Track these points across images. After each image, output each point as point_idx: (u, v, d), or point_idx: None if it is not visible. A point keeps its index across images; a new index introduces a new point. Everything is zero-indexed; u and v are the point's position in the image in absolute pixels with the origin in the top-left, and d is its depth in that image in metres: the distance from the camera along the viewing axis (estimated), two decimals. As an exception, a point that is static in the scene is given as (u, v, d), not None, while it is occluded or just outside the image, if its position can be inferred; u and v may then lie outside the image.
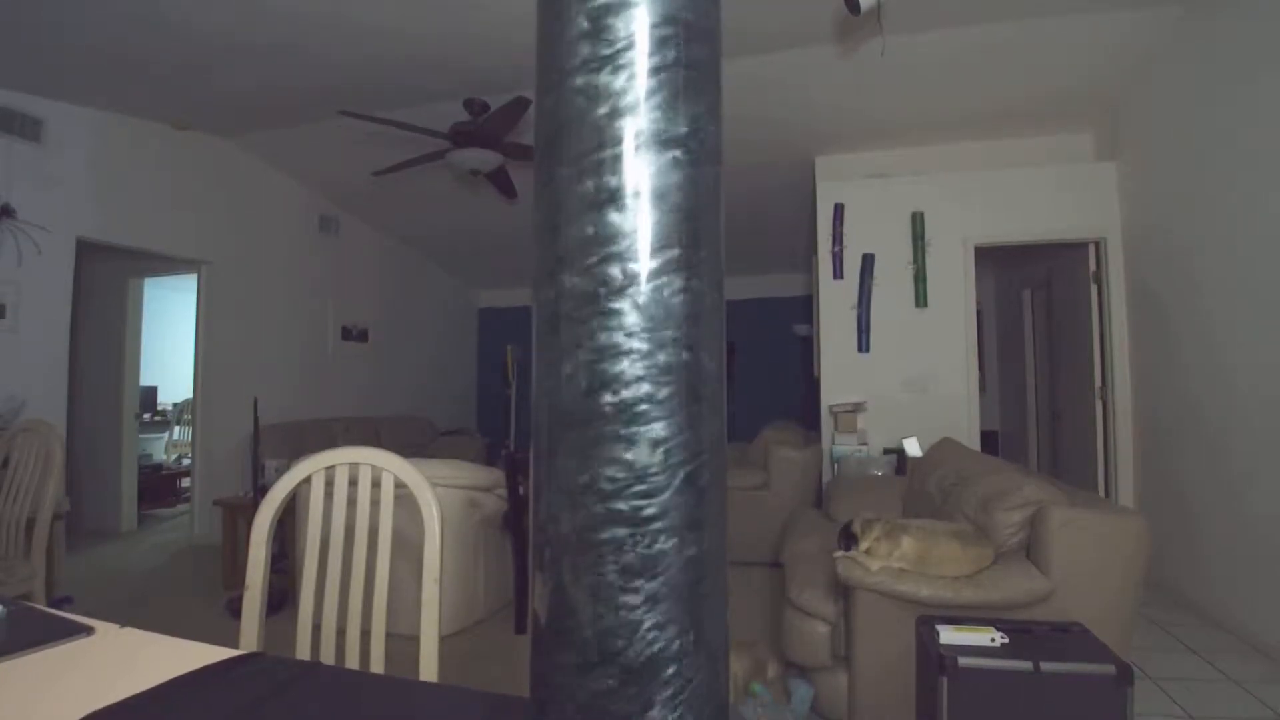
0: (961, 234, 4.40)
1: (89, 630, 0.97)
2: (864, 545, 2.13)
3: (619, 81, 0.42)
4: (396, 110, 3.99)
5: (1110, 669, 1.67)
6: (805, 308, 6.79)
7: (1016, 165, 4.45)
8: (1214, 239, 3.20)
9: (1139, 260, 3.98)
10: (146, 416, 6.35)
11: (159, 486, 6.16)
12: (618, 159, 0.41)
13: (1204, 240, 3.28)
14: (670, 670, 0.42)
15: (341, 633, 1.18)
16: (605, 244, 0.41)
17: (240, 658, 0.89)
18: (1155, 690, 2.44)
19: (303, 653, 1.17)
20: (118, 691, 0.78)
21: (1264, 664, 2.66)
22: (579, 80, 0.42)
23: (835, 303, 4.57)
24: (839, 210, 4.55)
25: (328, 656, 1.17)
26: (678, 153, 0.42)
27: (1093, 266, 4.32)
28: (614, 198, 0.41)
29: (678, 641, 0.42)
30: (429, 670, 1.10)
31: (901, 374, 4.44)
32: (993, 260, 6.10)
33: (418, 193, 5.71)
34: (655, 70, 0.42)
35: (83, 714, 0.72)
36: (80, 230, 4.03)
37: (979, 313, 4.59)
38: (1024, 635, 1.84)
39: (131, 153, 4.34)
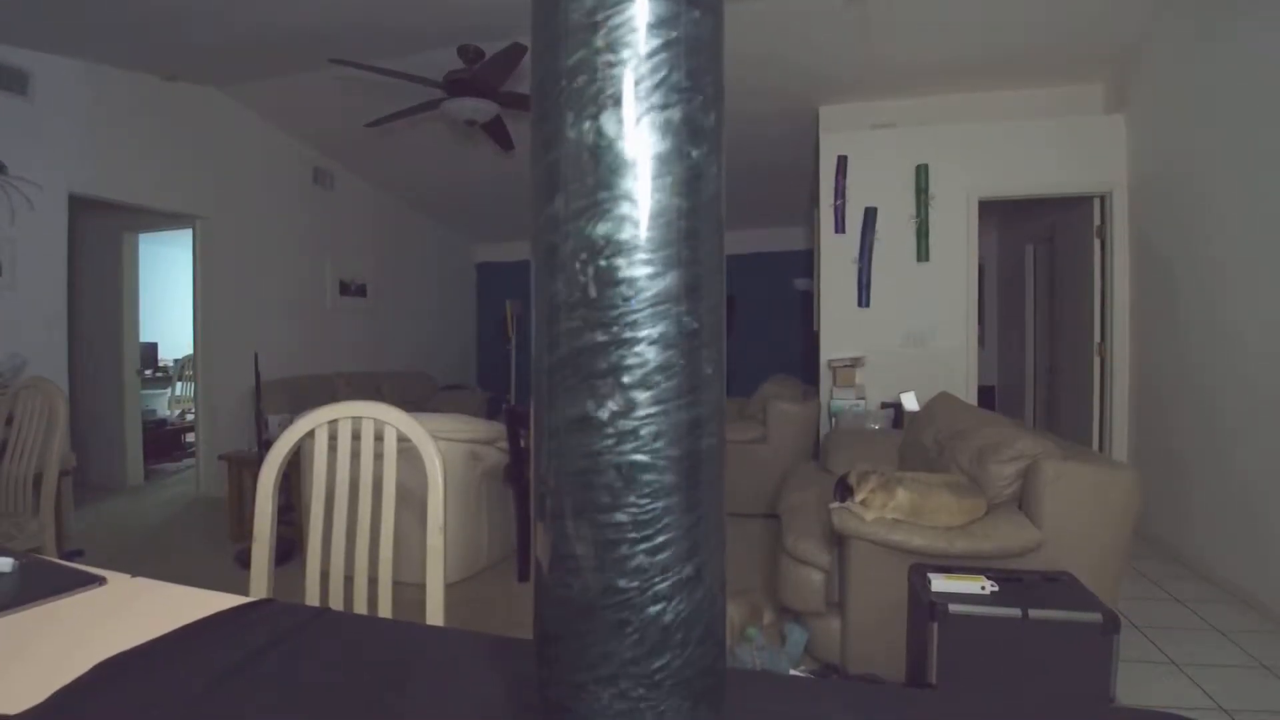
0: (966, 187, 4.34)
1: (101, 580, 0.99)
2: (860, 497, 2.17)
3: (618, 27, 0.41)
4: (389, 59, 3.88)
5: (1097, 617, 1.71)
6: (806, 262, 6.74)
7: (1025, 117, 4.36)
8: (1221, 195, 3.15)
9: (1144, 216, 3.93)
10: (148, 373, 6.37)
11: (164, 441, 6.22)
12: (617, 105, 0.41)
13: (1210, 196, 3.23)
14: (669, 614, 0.43)
15: (349, 581, 1.21)
16: (604, 195, 0.41)
17: (251, 604, 0.92)
18: (1140, 638, 2.51)
19: (312, 601, 1.20)
20: (131, 638, 0.80)
21: (1248, 615, 2.73)
22: (575, 27, 0.41)
23: (836, 257, 4.53)
24: (842, 162, 4.48)
25: (336, 604, 1.20)
26: (679, 100, 0.41)
27: (1097, 221, 4.27)
28: (612, 147, 0.41)
29: (677, 587, 0.43)
30: (435, 616, 1.13)
31: (901, 329, 4.44)
32: (996, 215, 6.04)
33: (412, 145, 5.61)
34: (655, 14, 0.41)
35: (97, 660, 0.74)
36: (72, 186, 3.97)
37: (980, 268, 4.56)
38: (1014, 584, 1.88)
39: (121, 106, 4.25)
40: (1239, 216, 3.02)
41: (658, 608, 0.42)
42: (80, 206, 4.14)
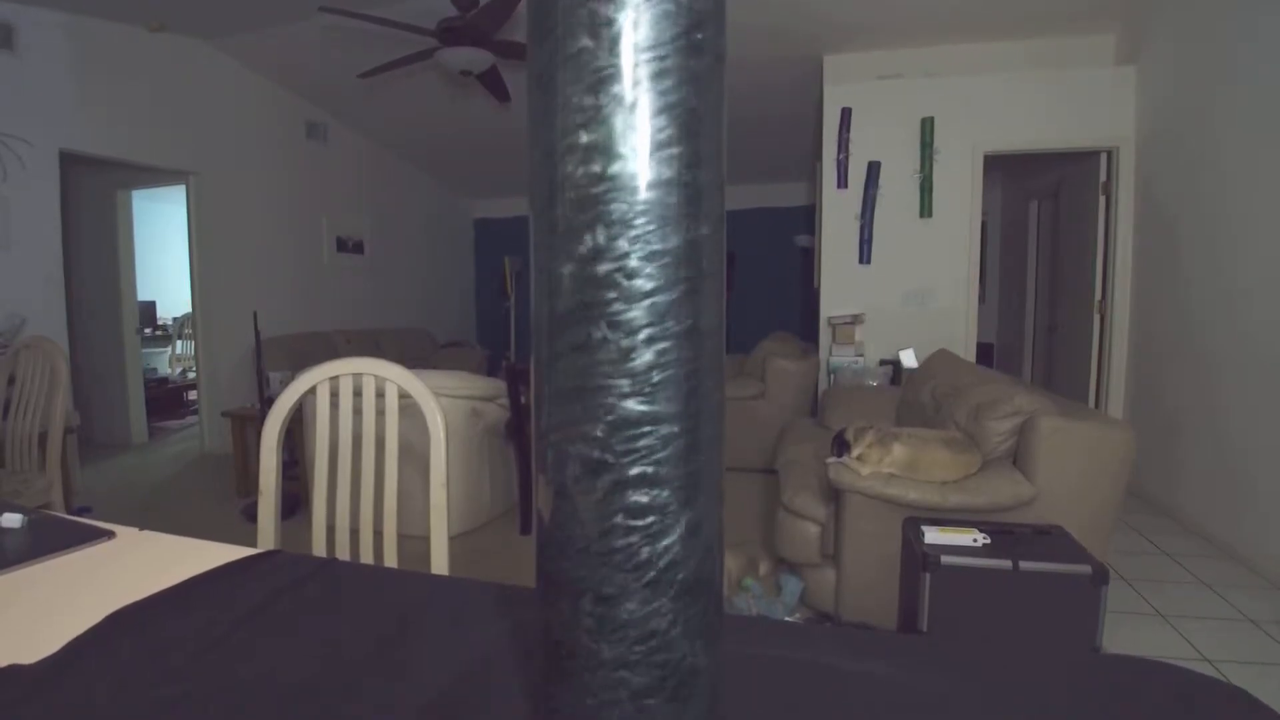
0: (971, 141, 4.26)
1: (110, 534, 1.01)
2: (856, 452, 2.19)
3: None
4: (380, 6, 3.77)
5: (1086, 569, 1.75)
6: (807, 218, 6.67)
7: (1034, 68, 4.25)
8: (1232, 153, 3.09)
9: (1150, 172, 3.87)
10: (148, 331, 6.37)
11: (166, 399, 6.26)
12: (615, 59, 0.40)
13: (1221, 154, 3.17)
14: (667, 563, 0.44)
15: (355, 533, 1.23)
16: (602, 145, 0.41)
17: (259, 555, 0.94)
18: (1128, 590, 2.57)
19: (318, 552, 1.22)
20: (141, 589, 0.82)
21: (1235, 569, 2.78)
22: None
23: (838, 213, 4.48)
24: (846, 115, 4.39)
25: (342, 556, 1.22)
26: (679, 48, 0.40)
27: (1103, 177, 4.21)
28: (611, 96, 0.40)
29: (675, 538, 0.44)
30: (440, 567, 1.16)
31: (902, 286, 4.42)
32: (1001, 170, 5.95)
33: (407, 98, 5.49)
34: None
35: (108, 611, 0.76)
36: (62, 142, 3.90)
37: (983, 223, 4.51)
38: (1005, 536, 1.92)
39: (109, 60, 4.14)
40: (1249, 176, 2.97)
41: (658, 557, 0.43)
42: (72, 163, 4.08)
